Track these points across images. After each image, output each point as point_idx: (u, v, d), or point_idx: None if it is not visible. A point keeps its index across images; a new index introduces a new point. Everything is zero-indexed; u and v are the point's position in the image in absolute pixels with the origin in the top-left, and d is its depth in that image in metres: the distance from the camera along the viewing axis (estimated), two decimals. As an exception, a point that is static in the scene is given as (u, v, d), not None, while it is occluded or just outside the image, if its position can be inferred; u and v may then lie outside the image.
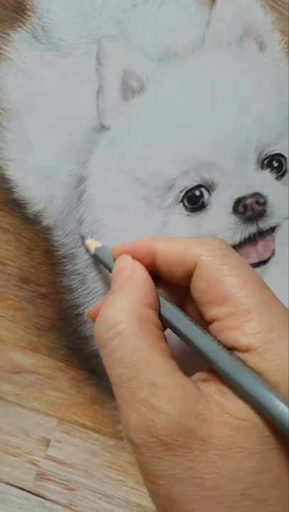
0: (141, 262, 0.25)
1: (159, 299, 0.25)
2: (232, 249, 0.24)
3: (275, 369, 0.20)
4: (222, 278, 0.23)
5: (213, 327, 0.23)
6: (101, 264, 0.29)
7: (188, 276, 0.24)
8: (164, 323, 0.24)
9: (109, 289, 0.34)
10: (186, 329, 0.23)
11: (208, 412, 0.20)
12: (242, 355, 0.21)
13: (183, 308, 0.26)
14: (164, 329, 0.24)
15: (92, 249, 0.30)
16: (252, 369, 0.21)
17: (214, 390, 0.21)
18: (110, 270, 0.27)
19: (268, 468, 0.19)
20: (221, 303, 0.22)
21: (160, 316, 0.24)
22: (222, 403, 0.20)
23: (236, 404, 0.20)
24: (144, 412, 0.20)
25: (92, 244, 0.30)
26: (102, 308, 0.24)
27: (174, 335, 0.24)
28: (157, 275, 0.26)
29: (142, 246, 0.26)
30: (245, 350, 0.21)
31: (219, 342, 0.22)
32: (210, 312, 0.23)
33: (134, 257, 0.26)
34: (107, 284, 0.35)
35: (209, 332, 0.23)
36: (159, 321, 0.24)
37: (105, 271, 0.33)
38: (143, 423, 0.20)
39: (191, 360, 0.24)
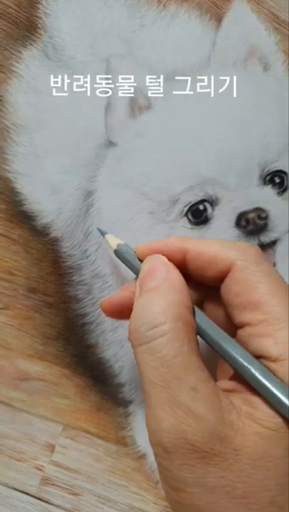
0: (169, 260, 0.25)
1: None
2: (265, 258, 0.25)
3: None
4: (256, 284, 0.23)
5: (244, 332, 0.23)
6: (123, 262, 0.28)
7: (219, 277, 0.24)
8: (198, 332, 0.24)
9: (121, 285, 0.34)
10: (219, 338, 0.23)
11: (241, 422, 0.20)
12: (272, 363, 0.22)
13: (204, 308, 0.26)
14: None
15: (114, 246, 0.28)
16: (280, 378, 0.21)
17: (242, 401, 0.21)
18: (132, 268, 0.26)
19: None
20: (252, 308, 0.23)
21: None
22: (251, 413, 0.21)
23: (265, 414, 0.21)
24: (182, 416, 0.20)
25: (113, 240, 0.28)
26: (139, 305, 0.23)
27: None
28: (185, 273, 0.25)
29: (171, 245, 0.25)
30: (275, 359, 0.22)
31: (249, 352, 0.23)
32: (241, 316, 0.23)
33: (163, 255, 0.25)
34: (119, 278, 0.35)
35: (239, 336, 0.24)
36: (196, 327, 0.24)
37: (122, 269, 0.33)
38: (179, 427, 0.20)
39: (211, 368, 0.24)
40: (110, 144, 0.35)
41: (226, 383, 0.23)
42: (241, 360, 0.22)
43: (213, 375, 0.23)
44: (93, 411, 0.36)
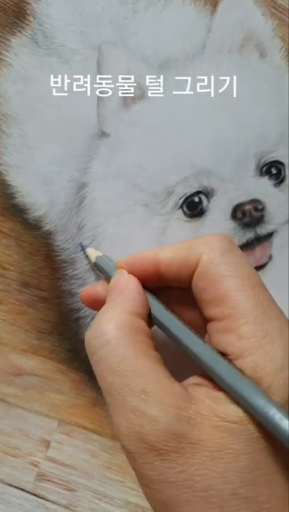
0: (144, 274, 0.26)
1: (152, 307, 0.25)
2: (234, 246, 0.24)
3: (268, 375, 0.21)
4: (221, 278, 0.23)
5: (210, 326, 0.23)
6: (101, 273, 0.29)
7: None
8: (163, 331, 0.25)
9: None
10: (182, 336, 0.24)
11: (199, 417, 0.20)
12: (236, 360, 0.22)
13: (193, 312, 0.26)
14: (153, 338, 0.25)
15: (93, 259, 0.30)
16: (246, 375, 0.21)
17: (206, 395, 0.22)
18: (109, 279, 0.28)
19: (258, 466, 0.20)
20: (218, 303, 0.23)
21: (157, 323, 0.25)
22: (213, 407, 0.21)
23: (227, 408, 0.21)
24: (135, 419, 0.20)
25: (93, 253, 0.30)
26: (95, 318, 0.24)
27: (167, 339, 0.25)
28: (165, 283, 0.26)
29: (144, 258, 0.26)
30: (240, 354, 0.22)
31: (214, 348, 0.23)
32: (208, 311, 0.23)
33: (138, 270, 0.26)
34: None
35: (207, 330, 0.24)
36: (149, 330, 0.24)
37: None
38: (134, 430, 0.20)
39: (184, 365, 0.24)
40: (103, 134, 0.34)
41: (196, 378, 0.23)
42: (203, 357, 0.22)
43: (193, 370, 0.23)
44: (89, 406, 0.36)
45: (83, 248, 0.33)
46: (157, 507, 0.21)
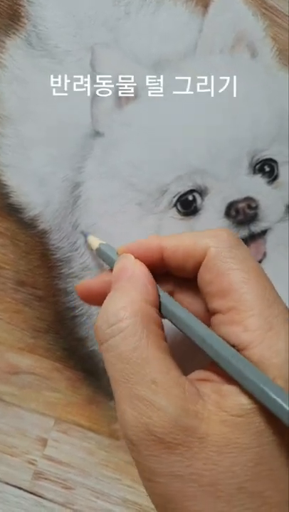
0: (148, 260, 0.25)
1: (161, 296, 0.25)
2: (240, 241, 0.25)
3: (273, 366, 0.21)
4: (227, 271, 0.23)
5: (215, 319, 0.23)
6: (103, 261, 0.29)
7: (198, 268, 0.25)
8: (171, 320, 0.25)
9: None
10: (193, 323, 0.24)
11: (206, 411, 0.21)
12: (241, 351, 0.22)
13: (195, 301, 0.26)
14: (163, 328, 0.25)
15: (96, 245, 0.29)
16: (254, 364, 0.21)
17: (212, 390, 0.22)
18: (112, 266, 0.27)
19: (264, 461, 0.20)
20: (223, 296, 0.23)
21: (166, 312, 0.25)
22: (219, 402, 0.21)
23: (233, 403, 0.21)
24: (143, 409, 0.20)
25: (95, 241, 0.30)
26: (104, 304, 0.24)
27: (173, 334, 0.25)
28: (166, 271, 0.26)
29: (148, 244, 0.25)
30: (245, 346, 0.22)
31: (223, 338, 0.23)
32: (213, 304, 0.24)
33: (141, 255, 0.25)
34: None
35: (211, 323, 0.24)
36: (160, 320, 0.24)
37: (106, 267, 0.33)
38: (141, 420, 0.20)
39: (188, 359, 0.24)
40: (97, 134, 0.35)
41: (201, 373, 0.23)
42: (213, 344, 0.22)
43: (196, 365, 0.23)
44: (85, 404, 0.36)
45: (85, 236, 0.33)
46: (159, 502, 0.21)
